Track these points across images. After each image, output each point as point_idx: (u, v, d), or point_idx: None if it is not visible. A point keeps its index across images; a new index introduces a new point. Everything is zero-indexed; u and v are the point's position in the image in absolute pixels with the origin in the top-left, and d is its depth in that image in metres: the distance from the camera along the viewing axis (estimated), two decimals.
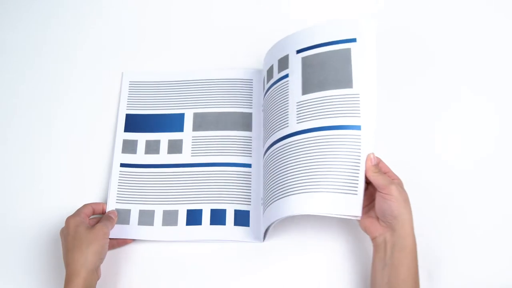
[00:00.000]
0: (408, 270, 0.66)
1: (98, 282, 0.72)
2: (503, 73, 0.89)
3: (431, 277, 0.75)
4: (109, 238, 0.75)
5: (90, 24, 0.98)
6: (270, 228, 0.75)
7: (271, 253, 0.77)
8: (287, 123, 0.75)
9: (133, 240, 0.79)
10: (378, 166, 0.70)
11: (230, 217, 0.79)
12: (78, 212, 0.75)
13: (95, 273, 0.70)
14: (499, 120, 0.86)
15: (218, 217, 0.79)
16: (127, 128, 0.86)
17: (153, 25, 0.97)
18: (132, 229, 0.79)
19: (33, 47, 0.96)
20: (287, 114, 0.75)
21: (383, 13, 0.94)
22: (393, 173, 0.72)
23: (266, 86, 0.81)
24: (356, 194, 0.69)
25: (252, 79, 0.88)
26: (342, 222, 0.77)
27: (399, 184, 0.69)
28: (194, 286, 0.76)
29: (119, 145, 0.85)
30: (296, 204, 0.70)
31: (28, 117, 0.90)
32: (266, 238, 0.78)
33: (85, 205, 0.77)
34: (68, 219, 0.73)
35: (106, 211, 0.80)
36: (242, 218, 0.78)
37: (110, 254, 0.77)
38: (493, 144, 0.84)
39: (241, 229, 0.78)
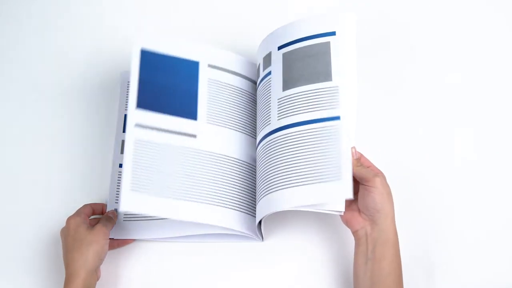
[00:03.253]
0: (391, 264, 0.66)
1: (98, 282, 0.72)
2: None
3: (431, 277, 0.75)
4: (109, 238, 0.75)
5: (90, 24, 0.97)
6: (263, 227, 0.75)
7: (271, 253, 0.77)
8: (269, 121, 0.75)
9: (133, 240, 0.79)
10: (360, 160, 0.70)
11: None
12: (78, 212, 0.75)
13: (94, 273, 0.71)
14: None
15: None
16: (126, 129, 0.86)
17: (153, 25, 0.97)
18: (132, 229, 0.79)
19: (33, 47, 0.96)
20: (269, 111, 0.76)
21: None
22: (375, 167, 0.71)
23: (257, 84, 0.82)
24: (340, 180, 0.67)
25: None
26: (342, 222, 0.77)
27: (383, 177, 0.69)
28: (193, 286, 0.76)
29: (118, 146, 0.85)
30: (278, 200, 0.70)
31: (28, 117, 0.90)
32: (266, 238, 0.78)
33: (85, 205, 0.77)
34: (69, 219, 0.73)
35: (106, 212, 0.80)
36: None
37: (110, 254, 0.77)
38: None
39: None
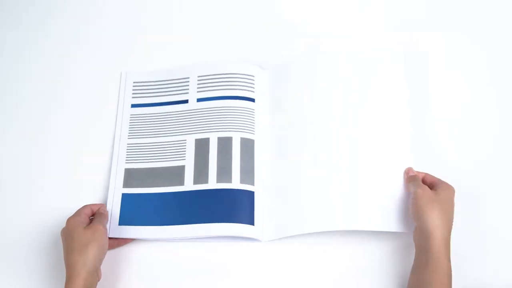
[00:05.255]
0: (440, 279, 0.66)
1: (98, 282, 0.72)
2: (502, 67, 0.89)
3: None
4: (109, 238, 0.75)
5: (89, 23, 0.97)
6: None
7: (271, 253, 0.77)
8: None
9: (133, 240, 0.79)
10: (419, 177, 0.74)
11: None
12: (78, 212, 0.75)
13: (95, 274, 0.70)
14: (499, 116, 0.85)
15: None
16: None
17: (153, 24, 0.97)
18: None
19: (33, 47, 0.96)
20: None
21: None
22: (440, 180, 0.73)
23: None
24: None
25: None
26: None
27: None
28: (193, 286, 0.76)
29: (118, 146, 0.85)
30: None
31: (28, 117, 0.90)
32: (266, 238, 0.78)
33: (84, 206, 0.77)
34: (69, 220, 0.73)
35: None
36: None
37: (110, 254, 0.77)
38: (493, 141, 0.84)
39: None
